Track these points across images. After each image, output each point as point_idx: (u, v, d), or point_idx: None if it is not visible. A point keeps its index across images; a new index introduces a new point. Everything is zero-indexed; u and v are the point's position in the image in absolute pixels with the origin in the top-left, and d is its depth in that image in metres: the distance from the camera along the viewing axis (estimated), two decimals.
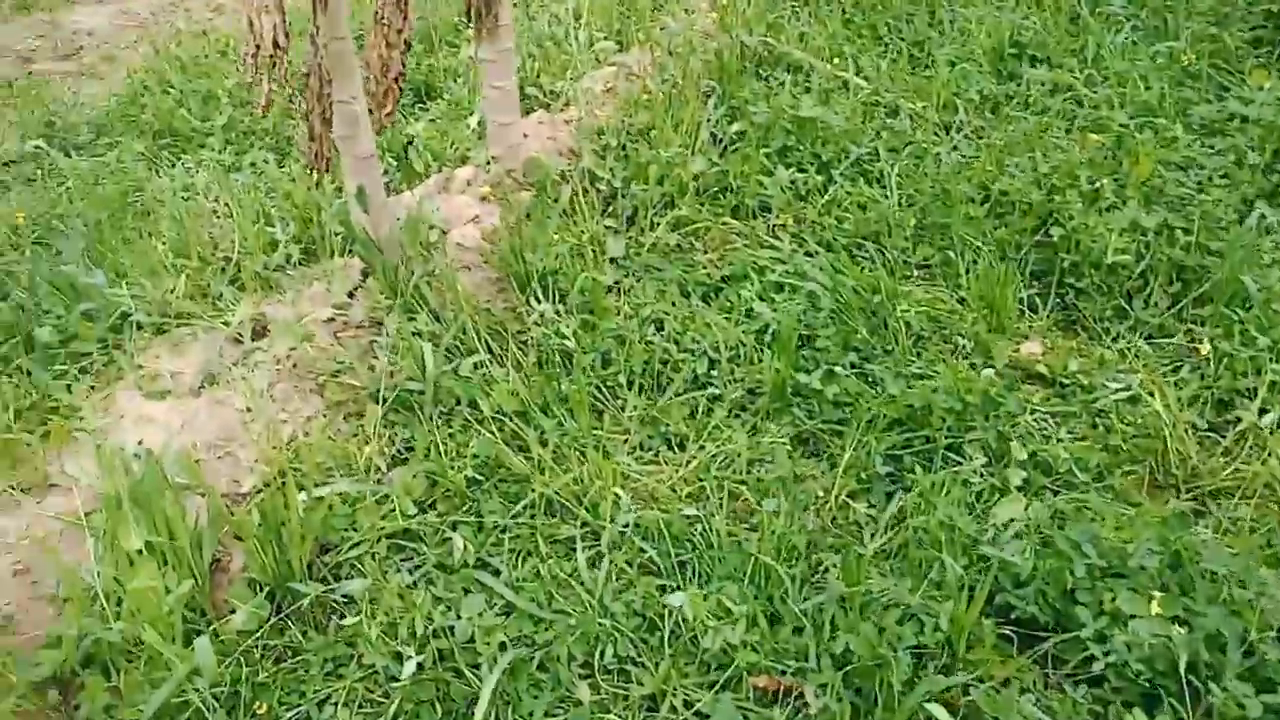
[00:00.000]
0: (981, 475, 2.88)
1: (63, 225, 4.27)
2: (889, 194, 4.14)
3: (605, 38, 5.68)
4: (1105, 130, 4.33)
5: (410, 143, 4.77)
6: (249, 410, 3.13)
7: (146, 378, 3.22)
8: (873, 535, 2.74)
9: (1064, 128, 4.50)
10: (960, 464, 2.91)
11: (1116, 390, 3.19)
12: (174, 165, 5.01)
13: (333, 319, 3.50)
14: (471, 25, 3.96)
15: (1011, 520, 2.67)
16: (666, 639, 2.49)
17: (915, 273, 3.85)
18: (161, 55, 6.32)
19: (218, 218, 4.22)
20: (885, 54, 5.35)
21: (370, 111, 3.49)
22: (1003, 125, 4.63)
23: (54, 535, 2.67)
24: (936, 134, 4.61)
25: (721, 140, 4.53)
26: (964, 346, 3.45)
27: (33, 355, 3.30)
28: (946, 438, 2.97)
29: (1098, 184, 3.87)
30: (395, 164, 4.68)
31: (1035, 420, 3.13)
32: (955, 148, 4.47)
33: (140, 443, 2.89)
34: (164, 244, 3.87)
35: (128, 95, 5.92)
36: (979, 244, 3.82)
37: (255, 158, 4.91)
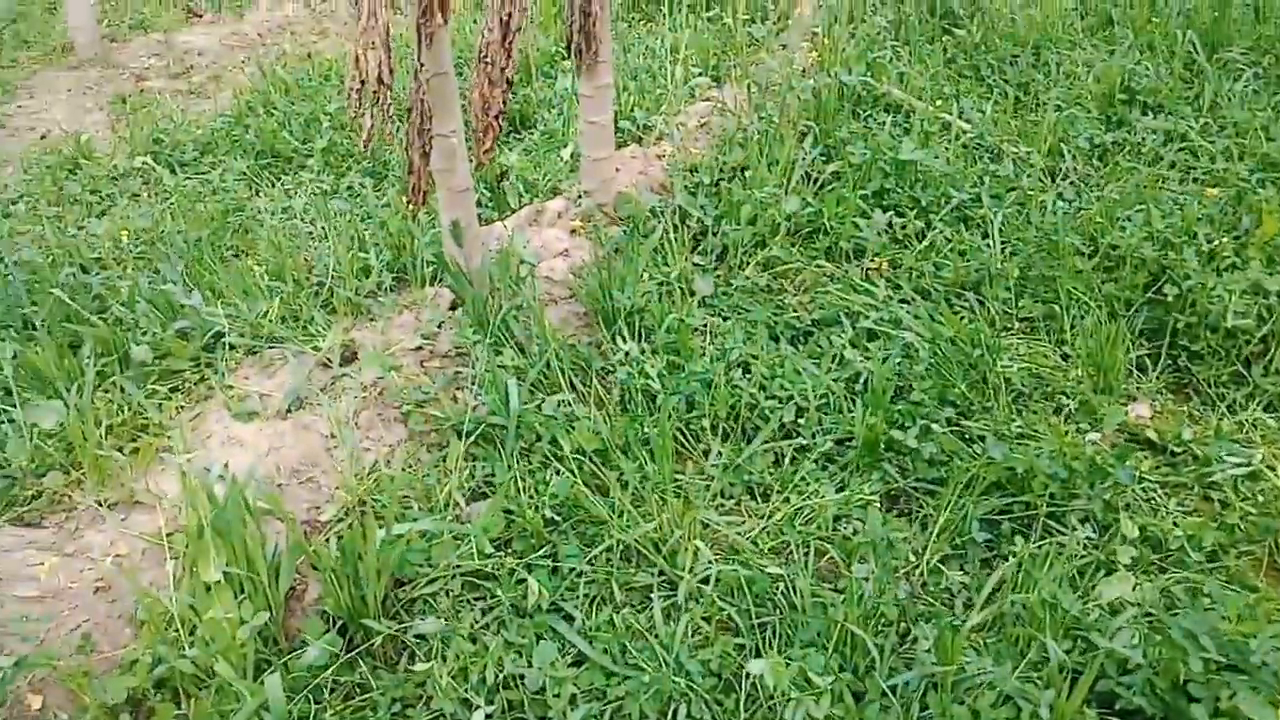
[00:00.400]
0: (1086, 548, 2.72)
1: (164, 243, 4.35)
2: (991, 242, 3.99)
3: (701, 72, 5.63)
4: (1224, 184, 4.14)
5: (504, 173, 4.77)
6: (333, 436, 3.13)
7: (236, 398, 3.24)
8: (967, 606, 2.60)
9: (1178, 179, 4.32)
10: (1063, 534, 2.76)
11: (1234, 463, 3.00)
12: (274, 186, 5.10)
13: (420, 348, 3.50)
14: (570, 58, 3.95)
15: (1119, 600, 2.51)
16: (743, 702, 2.39)
17: (1017, 326, 3.70)
18: (267, 77, 6.47)
19: (313, 240, 4.27)
20: (989, 96, 5.22)
21: (468, 145, 3.48)
22: (1113, 175, 4.46)
23: (136, 554, 2.69)
24: (1042, 181, 4.45)
25: (817, 180, 4.43)
26: (1068, 407, 3.28)
27: (127, 372, 3.35)
28: (1049, 505, 2.82)
29: (1216, 241, 3.67)
30: (489, 194, 4.69)
31: (1143, 490, 2.96)
32: (1061, 196, 4.31)
33: (225, 465, 2.90)
34: (260, 265, 3.92)
35: (233, 115, 6.06)
36: (1086, 299, 3.66)
37: (352, 181, 4.97)
